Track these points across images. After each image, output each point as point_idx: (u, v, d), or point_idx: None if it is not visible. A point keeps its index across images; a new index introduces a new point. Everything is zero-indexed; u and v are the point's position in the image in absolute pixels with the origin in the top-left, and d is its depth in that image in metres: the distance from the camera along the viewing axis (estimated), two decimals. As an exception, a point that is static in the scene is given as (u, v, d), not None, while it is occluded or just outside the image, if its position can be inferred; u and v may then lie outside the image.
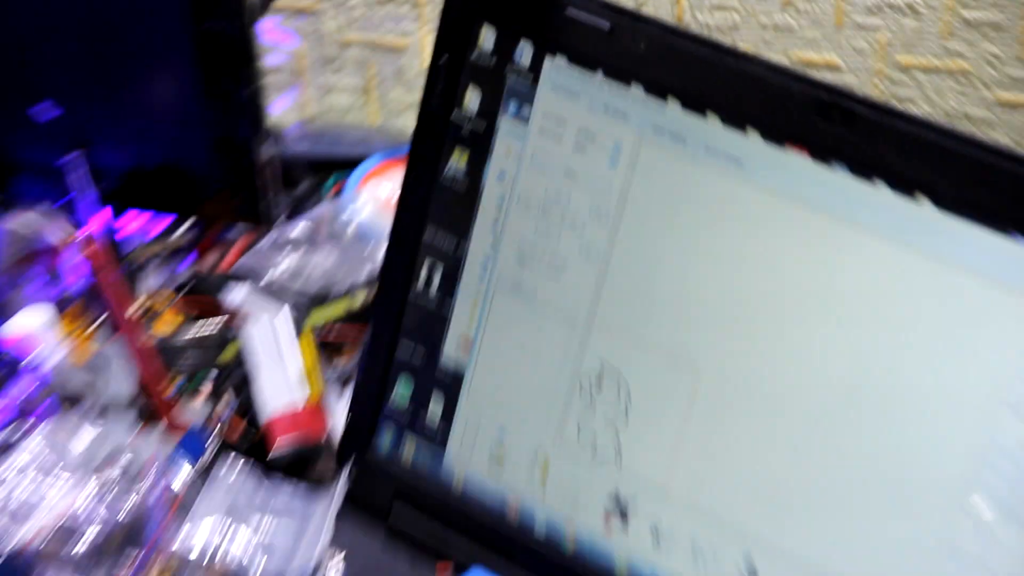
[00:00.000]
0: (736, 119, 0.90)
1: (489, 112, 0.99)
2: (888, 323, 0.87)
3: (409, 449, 1.05)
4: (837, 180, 0.88)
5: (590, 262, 0.97)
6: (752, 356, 0.92)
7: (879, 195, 0.87)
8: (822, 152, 0.88)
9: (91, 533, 1.05)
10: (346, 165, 1.36)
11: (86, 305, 1.20)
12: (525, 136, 0.98)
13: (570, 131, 0.96)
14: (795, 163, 0.89)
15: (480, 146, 1.00)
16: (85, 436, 1.09)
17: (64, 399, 1.14)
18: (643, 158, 0.94)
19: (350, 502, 1.07)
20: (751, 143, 0.90)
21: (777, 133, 0.89)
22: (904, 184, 0.86)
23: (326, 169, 1.37)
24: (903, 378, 0.87)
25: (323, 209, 1.31)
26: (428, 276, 1.03)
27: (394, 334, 1.05)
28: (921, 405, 0.87)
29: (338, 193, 1.34)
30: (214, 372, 1.19)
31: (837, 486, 0.90)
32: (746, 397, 0.92)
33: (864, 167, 0.87)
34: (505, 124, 0.98)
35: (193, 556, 1.04)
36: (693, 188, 0.93)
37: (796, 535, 0.91)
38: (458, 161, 1.01)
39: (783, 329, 0.91)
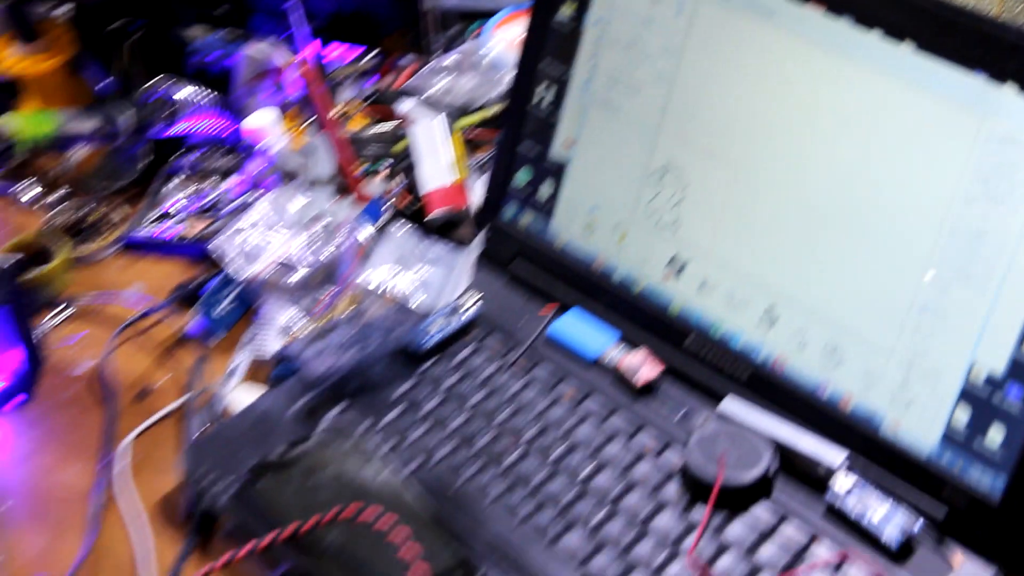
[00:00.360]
0: (772, -19, 0.92)
1: (592, -26, 1.00)
2: (877, 133, 0.89)
3: (526, 219, 1.08)
4: (844, 29, 0.89)
5: (659, 86, 0.99)
6: (776, 155, 0.94)
7: (875, 40, 0.88)
8: (834, 7, 0.89)
9: (301, 271, 1.09)
10: (485, 15, 1.37)
11: (301, 109, 1.22)
12: (617, -9, 1.00)
13: (650, -11, 0.98)
14: (813, 15, 0.90)
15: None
16: (298, 202, 1.12)
17: (284, 175, 1.17)
18: (700, 9, 0.96)
19: (483, 256, 1.09)
20: None
21: (801, -8, 0.91)
22: (895, 32, 0.87)
23: (470, 17, 1.37)
24: (887, 173, 0.89)
25: (468, 46, 1.32)
26: (543, 94, 1.05)
27: (518, 136, 1.07)
28: (898, 192, 0.88)
29: (479, 35, 1.35)
30: (389, 160, 1.22)
31: (833, 256, 0.92)
32: (769, 186, 0.94)
33: (865, 19, 0.88)
34: (603, -18, 1.00)
35: (372, 287, 1.08)
36: (736, 32, 0.94)
37: (804, 290, 0.93)
38: (567, 10, 1.03)
39: (799, 134, 0.92)
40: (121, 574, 0.93)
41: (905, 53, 0.86)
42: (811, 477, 0.91)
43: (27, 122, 1.12)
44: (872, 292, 0.90)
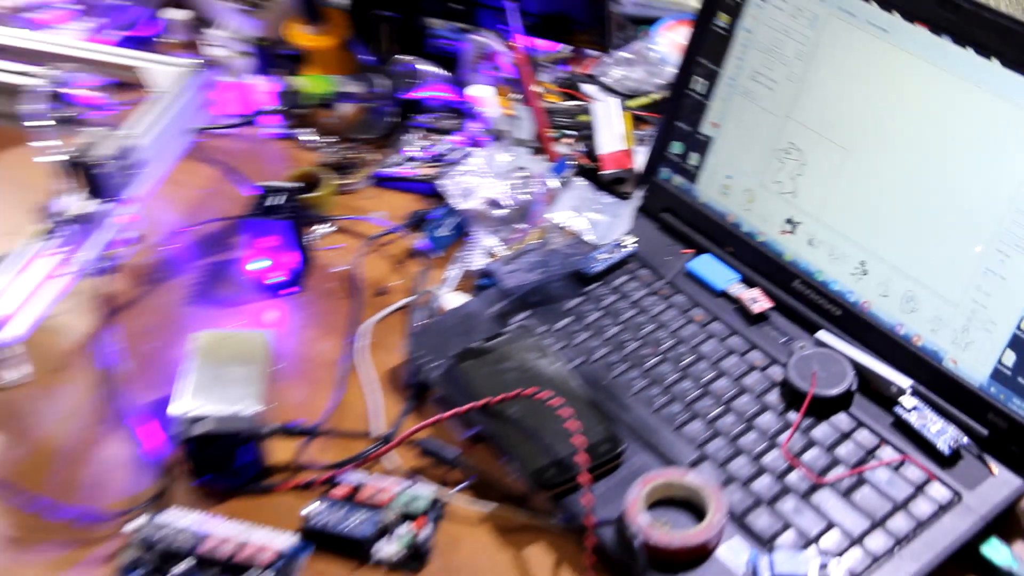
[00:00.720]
0: (886, 4, 0.90)
1: (744, -6, 0.99)
2: (962, 128, 0.87)
3: (676, 181, 1.07)
4: (944, 44, 0.87)
5: (791, 83, 0.97)
6: (880, 143, 0.92)
7: (969, 55, 0.85)
8: (936, 28, 0.87)
9: (503, 210, 1.10)
10: (654, 20, 1.35)
11: (510, 86, 1.22)
12: (763, 7, 0.98)
13: (789, 6, 0.96)
14: (920, 32, 0.88)
15: (736, 11, 1.00)
16: (504, 156, 1.13)
17: (495, 135, 1.18)
18: (830, 24, 0.94)
19: (640, 208, 1.09)
20: (894, 19, 0.90)
21: (910, 14, 0.89)
22: (984, 50, 0.84)
23: (643, 22, 1.36)
24: (966, 161, 0.87)
25: (639, 44, 1.30)
26: (698, 84, 1.04)
27: (676, 116, 1.06)
28: (974, 177, 0.86)
29: (645, 36, 1.33)
30: (575, 129, 1.21)
31: (917, 224, 0.90)
32: (871, 166, 0.92)
33: (961, 38, 0.86)
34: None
35: (555, 225, 1.08)
36: (857, 44, 0.92)
37: (891, 250, 0.92)
38: (723, 19, 1.01)
39: (899, 127, 0.90)
40: (358, 422, 0.95)
41: (993, 67, 0.84)
42: (883, 396, 0.90)
43: (311, 83, 1.15)
44: (946, 255, 0.88)
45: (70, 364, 1.02)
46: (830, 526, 0.82)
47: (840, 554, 0.80)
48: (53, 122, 1.00)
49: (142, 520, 0.85)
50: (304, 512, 0.85)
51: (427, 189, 1.17)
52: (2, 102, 1.04)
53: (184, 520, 0.85)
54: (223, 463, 0.89)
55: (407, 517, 0.85)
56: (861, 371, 0.90)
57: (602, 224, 1.07)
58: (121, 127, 1.05)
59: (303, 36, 1.25)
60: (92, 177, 1.00)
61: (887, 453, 0.86)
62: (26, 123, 0.99)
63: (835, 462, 0.86)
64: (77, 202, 1.03)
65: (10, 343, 0.98)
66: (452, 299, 1.04)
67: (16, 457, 0.94)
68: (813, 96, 0.96)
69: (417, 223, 1.13)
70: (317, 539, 0.85)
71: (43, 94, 0.99)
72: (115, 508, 0.88)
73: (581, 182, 1.11)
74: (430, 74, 1.20)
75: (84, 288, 1.08)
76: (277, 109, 1.19)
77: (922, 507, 0.83)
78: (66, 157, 0.99)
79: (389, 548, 0.84)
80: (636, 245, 1.05)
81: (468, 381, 0.92)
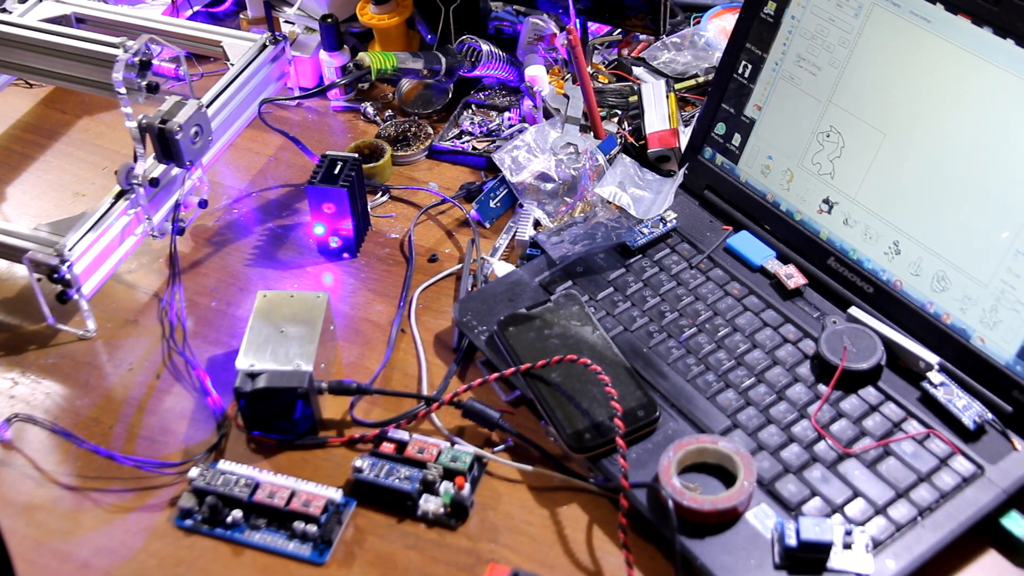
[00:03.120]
0: (930, -5, 0.87)
1: (790, -20, 0.96)
2: (998, 117, 0.84)
3: (718, 160, 1.05)
4: (985, 35, 0.84)
5: (833, 69, 0.95)
6: (917, 129, 0.89)
7: (1008, 47, 0.83)
8: (978, 19, 0.85)
9: (552, 184, 1.09)
10: (703, 8, 1.33)
11: (564, 65, 1.21)
12: (808, -5, 0.96)
13: (834, -6, 0.94)
14: (962, 24, 0.86)
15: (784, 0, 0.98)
16: (554, 133, 1.11)
17: (547, 112, 1.16)
18: (874, 13, 0.91)
19: (683, 185, 1.07)
20: (937, 10, 0.87)
21: (953, 5, 0.86)
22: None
23: (693, 8, 1.34)
24: (1002, 148, 0.84)
25: (688, 30, 1.28)
26: (744, 68, 1.02)
27: (720, 98, 1.04)
28: (1007, 164, 0.84)
29: (698, 22, 1.31)
30: (623, 109, 1.20)
31: (950, 208, 0.88)
32: (908, 151, 0.90)
33: (1002, 30, 0.83)
34: (798, -13, 0.96)
35: (601, 199, 1.07)
36: (900, 32, 0.90)
37: (924, 231, 0.89)
38: (771, 7, 0.99)
39: (938, 115, 0.88)
40: (408, 381, 0.95)
41: (1030, 57, 0.81)
42: (911, 371, 0.88)
43: (376, 58, 1.14)
44: (977, 238, 0.86)
45: (137, 320, 1.02)
46: (855, 495, 0.80)
47: (864, 523, 0.79)
48: (137, 90, 1.00)
49: (199, 469, 0.85)
50: (355, 463, 0.85)
51: (480, 162, 1.16)
52: (92, 71, 1.04)
53: (238, 471, 0.85)
54: (277, 418, 0.89)
55: (449, 474, 0.85)
56: (891, 347, 0.88)
57: (646, 200, 1.05)
58: (196, 96, 1.05)
59: (369, 14, 1.25)
60: (167, 143, 1.00)
61: (913, 426, 0.84)
62: (113, 90, 1.00)
63: (862, 434, 0.84)
64: (152, 166, 1.03)
65: (84, 297, 0.99)
66: (500, 267, 1.03)
67: (84, 406, 0.94)
68: (854, 82, 0.93)
69: (469, 194, 1.12)
70: (364, 492, 0.85)
71: (129, 64, 0.99)
72: (174, 457, 0.89)
73: (627, 159, 1.09)
74: (488, 53, 1.19)
75: (153, 247, 1.08)
76: (342, 83, 1.18)
77: (945, 479, 0.81)
78: (145, 123, 0.99)
79: (432, 503, 0.84)
80: (677, 220, 1.03)
81: (512, 346, 0.91)
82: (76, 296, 0.98)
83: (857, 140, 0.93)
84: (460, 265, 1.05)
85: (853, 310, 0.91)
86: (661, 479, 0.80)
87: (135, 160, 1.01)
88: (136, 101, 1.01)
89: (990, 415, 0.83)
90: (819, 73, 0.95)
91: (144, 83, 1.01)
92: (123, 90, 1.00)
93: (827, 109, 0.95)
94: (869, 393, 0.87)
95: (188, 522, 0.84)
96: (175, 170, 1.06)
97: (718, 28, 1.26)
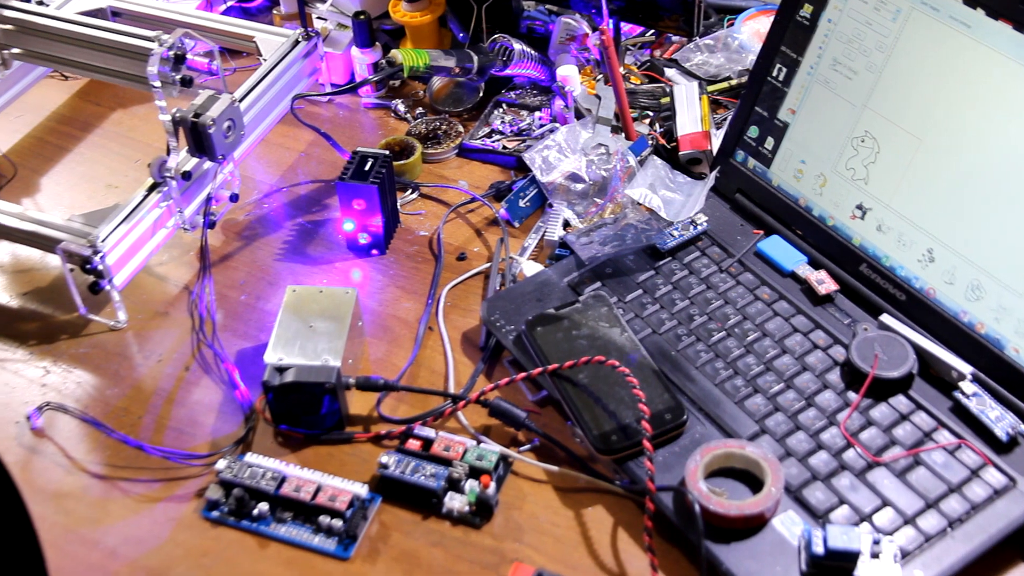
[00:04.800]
0: (971, 1, 0.86)
1: (827, -17, 0.96)
2: None
3: (750, 164, 1.05)
4: None
5: (870, 73, 0.94)
6: (954, 136, 0.88)
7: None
8: (1019, 25, 0.84)
9: (582, 184, 1.08)
10: (737, 10, 1.32)
11: (596, 65, 1.21)
12: (846, -1, 0.95)
13: (872, -1, 0.93)
14: (1003, 29, 0.85)
15: (821, 3, 0.97)
16: (585, 134, 1.11)
17: (578, 113, 1.16)
18: (912, 17, 0.90)
19: (714, 188, 1.06)
20: (977, 15, 0.86)
21: (994, 11, 0.85)
22: None
23: (726, 11, 1.33)
24: None
25: (721, 32, 1.28)
26: (778, 72, 1.01)
27: (754, 101, 1.03)
28: None
29: (731, 24, 1.30)
30: (655, 111, 1.19)
31: (986, 216, 0.86)
32: (944, 158, 0.89)
33: (1041, 36, 0.81)
34: (835, -9, 0.96)
35: (631, 201, 1.06)
36: (939, 37, 0.89)
37: (959, 240, 0.88)
38: (807, 10, 0.98)
39: (976, 121, 0.87)
40: (435, 379, 0.95)
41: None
42: (943, 380, 0.87)
43: (409, 56, 1.14)
44: (1014, 247, 0.85)
45: (167, 312, 1.03)
46: (884, 504, 0.80)
47: (893, 532, 0.78)
48: (171, 84, 1.00)
49: (226, 461, 0.86)
50: (381, 459, 0.85)
51: (510, 162, 1.16)
52: (127, 64, 1.05)
53: (265, 464, 0.85)
54: (304, 412, 0.89)
55: (475, 473, 0.85)
56: (923, 355, 0.88)
57: (676, 202, 1.05)
58: (229, 91, 1.05)
59: (402, 11, 1.25)
60: (200, 136, 1.01)
61: (944, 436, 0.83)
62: (147, 84, 1.00)
63: (892, 443, 0.84)
64: (184, 159, 1.04)
65: (116, 288, 0.99)
66: (528, 267, 1.03)
67: (114, 396, 0.95)
68: (891, 87, 0.92)
69: (499, 193, 1.12)
70: (390, 488, 0.85)
71: (164, 58, 1.00)
72: (202, 449, 0.89)
73: (658, 161, 1.09)
74: (520, 52, 1.19)
75: (184, 240, 1.09)
76: (374, 79, 1.18)
77: (976, 491, 0.80)
78: (178, 117, 0.99)
79: (457, 501, 0.84)
80: (708, 223, 1.02)
81: (539, 346, 0.91)
82: (108, 287, 0.98)
83: (893, 146, 0.92)
84: (488, 264, 1.05)
85: (885, 317, 0.91)
86: (688, 483, 0.80)
87: (168, 153, 1.02)
88: (170, 95, 1.02)
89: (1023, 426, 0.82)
90: (855, 77, 0.95)
91: (178, 77, 1.02)
92: (158, 83, 1.00)
93: (862, 114, 0.94)
94: (900, 402, 0.86)
95: (215, 514, 0.85)
96: (207, 164, 1.06)
97: (752, 30, 1.26)
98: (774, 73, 1.01)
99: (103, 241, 0.97)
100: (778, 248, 0.99)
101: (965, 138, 0.87)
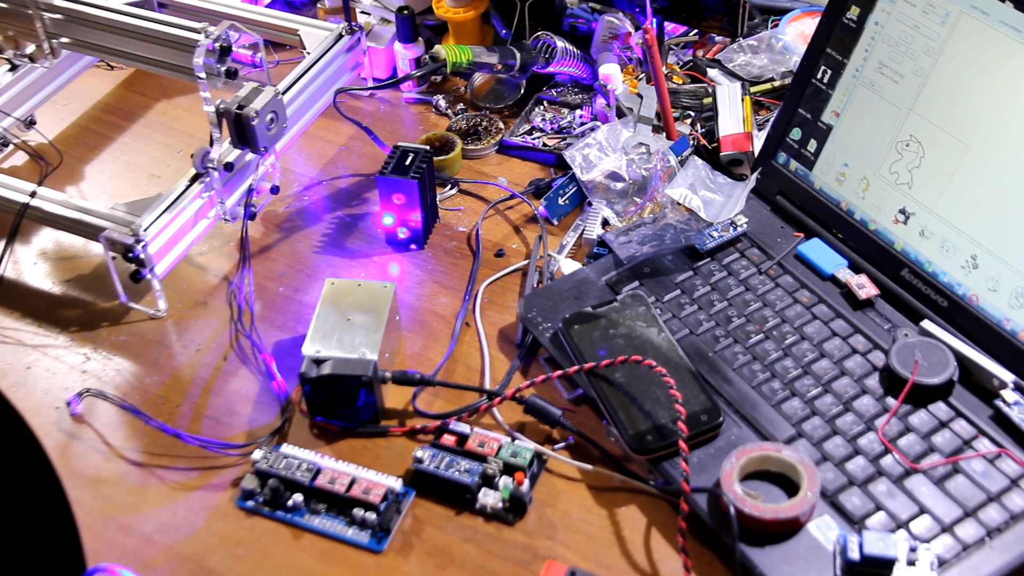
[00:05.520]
0: (1021, 4, 0.85)
1: (875, -15, 0.95)
2: None
3: (792, 166, 1.04)
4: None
5: (916, 77, 0.93)
6: (1001, 142, 0.87)
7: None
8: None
9: (622, 183, 1.08)
10: (782, 11, 1.31)
11: (638, 64, 1.20)
12: (895, 2, 0.94)
13: (921, 2, 0.92)
14: (1051, 34, 0.83)
15: (868, 5, 0.96)
16: (626, 133, 1.10)
17: (619, 112, 1.15)
18: (961, 21, 0.89)
19: (755, 190, 1.05)
20: (1027, 20, 0.85)
21: (1044, 16, 0.84)
22: None
23: (771, 12, 1.32)
24: None
25: (765, 33, 1.27)
26: (822, 74, 1.00)
27: (797, 103, 1.03)
28: None
29: (776, 25, 1.29)
30: (696, 111, 1.18)
31: None
32: (990, 164, 0.88)
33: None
34: (883, -7, 0.95)
35: (671, 201, 1.06)
36: (988, 42, 0.88)
37: (1003, 247, 0.87)
38: (854, 12, 0.97)
39: (1021, 122, 0.86)
40: (471, 375, 0.95)
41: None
42: (984, 388, 0.86)
43: (452, 51, 1.15)
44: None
45: (207, 301, 1.04)
46: (921, 512, 0.79)
47: (930, 540, 0.77)
48: (216, 75, 1.01)
49: (262, 452, 0.86)
50: (416, 454, 0.85)
51: (550, 159, 1.16)
52: (173, 55, 1.06)
53: (300, 455, 0.86)
54: (340, 405, 0.89)
55: (509, 469, 0.85)
56: (964, 362, 0.87)
57: (716, 203, 1.04)
58: (272, 83, 1.06)
59: (445, 7, 1.25)
60: (243, 128, 1.01)
61: (984, 445, 0.82)
62: (193, 75, 1.01)
63: (931, 450, 0.83)
64: (227, 150, 1.04)
65: (157, 277, 1.00)
66: (566, 265, 1.03)
67: (153, 384, 0.96)
68: (938, 91, 0.91)
69: (538, 191, 1.12)
70: (424, 483, 0.85)
71: (210, 50, 1.00)
72: (238, 439, 0.90)
73: (699, 161, 1.08)
74: (563, 50, 1.19)
75: (225, 231, 1.09)
76: (417, 75, 1.18)
77: (1016, 500, 0.79)
78: (222, 108, 1.00)
79: (490, 497, 0.84)
80: (748, 225, 1.02)
81: (576, 344, 0.91)
82: (149, 276, 0.99)
83: (938, 150, 0.91)
84: (526, 261, 1.05)
85: (926, 323, 0.90)
86: (723, 485, 0.79)
87: (211, 144, 1.03)
88: (215, 86, 1.03)
89: (1065, 437, 0.81)
90: (901, 81, 0.94)
91: (223, 69, 1.02)
92: (203, 75, 1.01)
93: (908, 118, 0.93)
94: (939, 409, 0.85)
95: (250, 503, 0.85)
96: (249, 155, 1.07)
97: (796, 32, 1.25)
98: (819, 75, 1.00)
99: (145, 230, 0.98)
100: (818, 251, 0.98)
101: (1012, 144, 0.86)
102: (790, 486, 0.81)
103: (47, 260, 1.09)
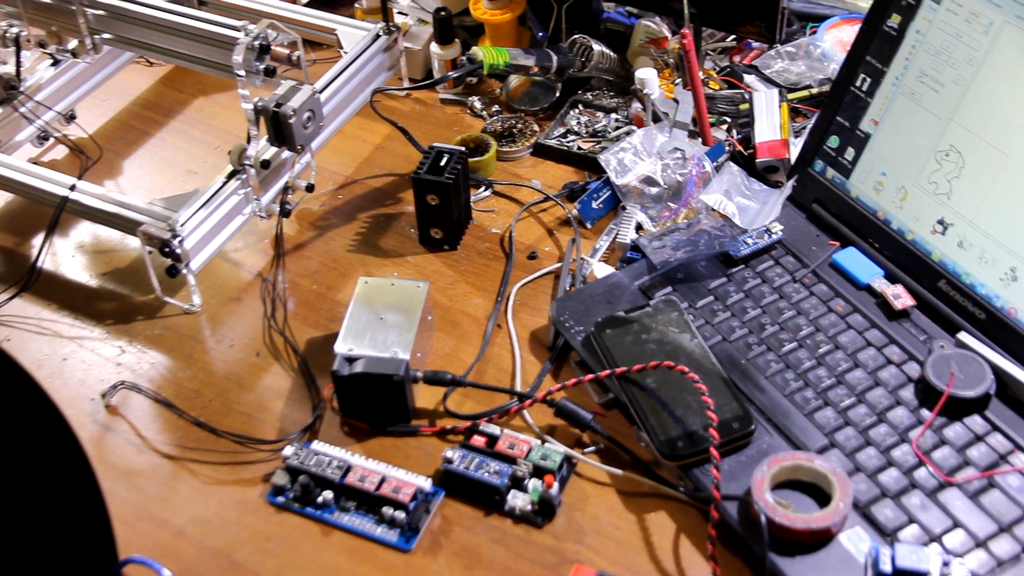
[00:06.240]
0: (1067, 15, 0.84)
1: (918, -7, 0.94)
2: None
3: (829, 174, 1.03)
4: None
5: (957, 86, 0.92)
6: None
7: None
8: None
9: (656, 188, 1.08)
10: (820, 18, 1.30)
11: (675, 69, 1.20)
12: (937, 10, 0.93)
13: (964, 11, 0.91)
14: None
15: (909, 13, 0.95)
16: (661, 137, 1.10)
17: (655, 116, 1.14)
18: (1005, 31, 0.88)
19: (790, 197, 1.05)
20: (1072, 31, 0.84)
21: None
22: None
23: (810, 18, 1.31)
24: None
25: (804, 39, 1.26)
26: (861, 82, 1.00)
27: (835, 111, 1.02)
28: None
29: (814, 32, 1.28)
30: (733, 117, 1.18)
31: None
32: (1032, 176, 0.87)
33: None
34: (927, 2, 0.94)
35: (705, 207, 1.05)
36: (1030, 52, 0.87)
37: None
38: (895, 20, 0.97)
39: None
40: (502, 376, 0.95)
41: None
42: (1021, 402, 0.85)
43: (489, 53, 1.15)
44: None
45: (240, 297, 1.04)
46: (955, 526, 0.78)
47: (963, 555, 0.77)
48: (255, 73, 1.02)
49: (293, 448, 0.86)
50: (446, 454, 0.85)
51: (584, 162, 1.16)
52: (212, 52, 1.06)
53: (331, 452, 0.86)
54: (372, 403, 0.89)
55: (539, 472, 0.85)
56: (1001, 376, 0.86)
57: (751, 210, 1.04)
58: (310, 82, 1.06)
59: (482, 9, 1.25)
60: (280, 126, 1.02)
61: (1021, 460, 0.82)
62: (232, 72, 1.02)
63: (965, 463, 0.82)
64: (264, 148, 1.05)
65: (192, 272, 1.01)
66: (599, 269, 1.03)
67: (186, 378, 0.96)
68: (979, 101, 0.90)
69: (572, 194, 1.12)
70: (453, 483, 0.85)
71: (249, 48, 1.01)
72: (269, 435, 0.90)
73: (734, 167, 1.07)
74: (599, 54, 1.18)
75: (260, 228, 1.10)
76: (453, 76, 1.18)
77: (1053, 518, 0.78)
78: (260, 106, 1.01)
79: (520, 499, 0.84)
80: (783, 232, 1.01)
81: (608, 348, 0.90)
82: (185, 271, 1.00)
83: (978, 161, 0.90)
84: (559, 264, 1.05)
85: (963, 335, 0.89)
86: (754, 493, 0.79)
87: (248, 141, 1.03)
88: (253, 84, 1.03)
89: (1103, 453, 0.80)
90: (942, 90, 0.93)
91: (262, 67, 1.03)
92: (242, 73, 1.02)
93: (948, 127, 0.92)
94: (975, 422, 0.84)
95: (280, 499, 0.86)
96: (285, 153, 1.07)
97: (835, 39, 1.24)
98: (858, 83, 0.99)
99: (182, 225, 0.98)
100: (854, 260, 0.97)
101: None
102: (821, 496, 0.80)
103: (85, 253, 1.10)
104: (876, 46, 0.98)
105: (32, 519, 0.69)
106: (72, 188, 1.04)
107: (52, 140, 1.21)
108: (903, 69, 0.96)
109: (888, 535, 0.78)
